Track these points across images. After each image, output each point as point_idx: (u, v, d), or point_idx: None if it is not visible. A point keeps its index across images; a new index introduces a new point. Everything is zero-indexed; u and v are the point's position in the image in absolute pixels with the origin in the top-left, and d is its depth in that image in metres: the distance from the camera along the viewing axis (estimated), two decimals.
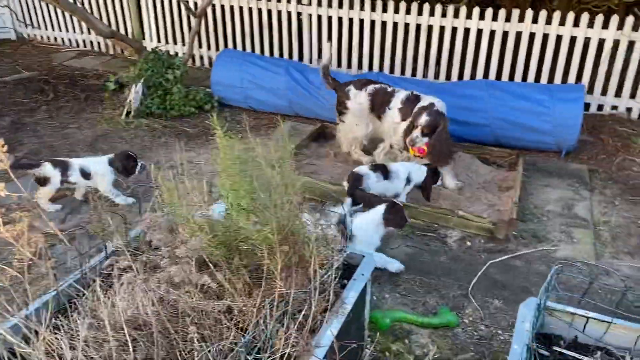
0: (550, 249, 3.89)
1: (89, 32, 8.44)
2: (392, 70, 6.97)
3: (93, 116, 6.21)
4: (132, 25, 7.94)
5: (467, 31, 6.44)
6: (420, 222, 4.14)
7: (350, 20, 6.89)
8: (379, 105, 4.83)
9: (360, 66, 7.12)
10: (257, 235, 1.90)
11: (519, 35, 6.26)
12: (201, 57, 7.97)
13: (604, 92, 6.24)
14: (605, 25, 5.92)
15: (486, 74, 6.55)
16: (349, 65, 7.16)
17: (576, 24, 6.01)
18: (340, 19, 6.94)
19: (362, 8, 6.75)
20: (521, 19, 6.18)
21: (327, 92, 5.83)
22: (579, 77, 6.25)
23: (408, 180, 4.28)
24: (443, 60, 6.67)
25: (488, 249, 3.89)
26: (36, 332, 1.91)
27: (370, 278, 2.76)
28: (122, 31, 8.13)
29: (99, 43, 8.51)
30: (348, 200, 4.01)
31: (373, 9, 6.72)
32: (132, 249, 2.43)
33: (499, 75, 6.56)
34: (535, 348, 2.18)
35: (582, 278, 3.54)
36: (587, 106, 6.25)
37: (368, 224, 3.49)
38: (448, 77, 6.76)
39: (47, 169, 4.11)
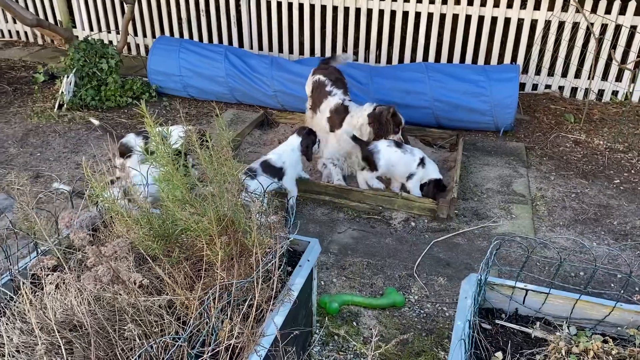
0: (490, 225, 4.00)
1: (14, 22, 7.97)
2: (333, 55, 6.94)
3: (22, 110, 5.88)
4: (60, 13, 7.55)
5: (405, 14, 6.49)
6: (365, 205, 4.17)
7: (290, 4, 6.81)
8: (314, 98, 4.87)
9: (301, 51, 7.06)
10: (195, 226, 1.84)
11: (456, 17, 6.37)
12: (137, 45, 7.69)
13: (538, 71, 6.46)
14: (537, 7, 6.11)
15: (425, 57, 6.64)
16: (290, 51, 7.09)
17: (509, 5, 6.17)
18: (279, 4, 6.84)
19: None
20: (457, 1, 6.28)
21: (268, 78, 5.77)
22: (514, 57, 6.44)
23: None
24: (383, 44, 6.70)
25: (431, 228, 3.97)
26: None
27: (317, 263, 2.75)
28: (50, 20, 7.72)
29: (26, 33, 8.06)
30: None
31: None
32: (65, 247, 2.32)
33: (438, 58, 6.66)
34: (477, 323, 2.24)
35: (522, 252, 3.67)
36: (522, 86, 6.46)
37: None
38: (389, 60, 6.81)
39: None
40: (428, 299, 3.29)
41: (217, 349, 1.87)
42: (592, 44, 5.96)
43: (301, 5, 6.76)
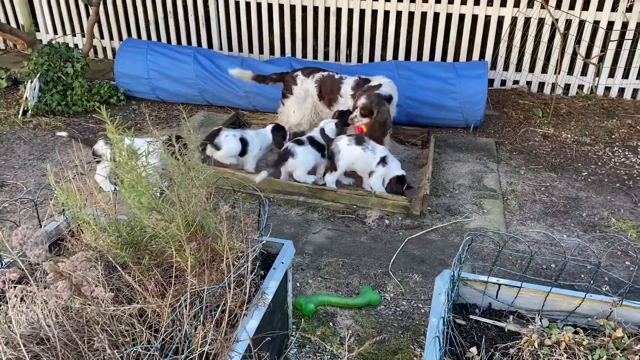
0: (463, 221, 4.04)
1: None
2: (304, 55, 6.93)
3: None
4: (22, 16, 7.35)
5: (375, 13, 6.52)
6: (340, 204, 4.17)
7: (259, 4, 6.77)
8: (328, 93, 4.84)
9: (272, 52, 7.03)
10: (163, 233, 1.80)
11: (424, 15, 6.42)
12: (104, 49, 7.55)
13: (506, 67, 6.55)
14: (503, 4, 6.20)
15: (395, 55, 6.68)
16: (261, 51, 7.04)
17: (477, 3, 6.24)
18: (248, 4, 6.79)
19: None
20: None
21: (241, 79, 5.73)
22: (482, 54, 6.52)
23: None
24: (354, 43, 6.72)
25: (405, 225, 3.98)
26: None
27: (291, 265, 2.73)
28: (12, 23, 7.52)
29: None
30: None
31: None
32: (28, 259, 2.25)
33: (407, 56, 6.71)
34: (451, 319, 2.25)
35: (494, 247, 3.71)
36: (490, 82, 6.55)
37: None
38: (360, 59, 6.82)
39: None
40: (403, 297, 3.30)
41: (191, 357, 1.84)
42: (558, 39, 6.08)
43: (270, 6, 6.72)
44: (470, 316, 2.38)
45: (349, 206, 4.16)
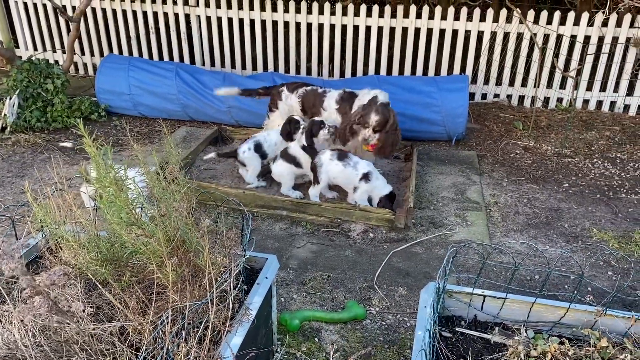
0: (447, 233, 4.05)
1: None
2: (287, 70, 6.96)
3: None
4: (1, 33, 7.28)
5: (356, 28, 6.58)
6: (324, 218, 4.15)
7: (241, 20, 6.79)
8: (310, 107, 4.84)
9: (254, 67, 7.04)
10: (144, 248, 1.77)
11: (405, 30, 6.49)
12: (85, 65, 7.49)
13: (486, 81, 6.64)
14: (482, 19, 6.30)
15: (377, 70, 6.73)
16: (243, 67, 7.05)
17: (457, 18, 6.33)
18: (230, 20, 6.81)
19: (251, 8, 6.67)
20: (406, 14, 6.41)
21: (224, 94, 5.72)
22: (462, 68, 6.60)
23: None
24: (336, 58, 6.76)
25: (390, 238, 3.98)
26: None
27: (276, 280, 2.70)
28: None
29: None
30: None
31: (263, 8, 6.67)
32: (9, 277, 2.19)
33: (389, 70, 6.77)
34: (437, 331, 2.24)
35: (478, 259, 3.72)
36: (471, 95, 6.63)
37: None
38: (342, 74, 6.86)
39: None
40: (389, 310, 3.28)
41: None
42: (536, 53, 6.18)
43: (252, 21, 6.75)
44: (456, 328, 2.37)
45: (333, 220, 4.14)
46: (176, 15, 6.94)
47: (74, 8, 7.03)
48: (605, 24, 6.08)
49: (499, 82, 6.62)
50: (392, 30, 6.51)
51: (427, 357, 1.95)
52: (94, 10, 7.05)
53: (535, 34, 6.11)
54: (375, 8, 6.41)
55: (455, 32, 6.39)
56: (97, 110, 5.96)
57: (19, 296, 2.07)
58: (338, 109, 4.73)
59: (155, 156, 2.02)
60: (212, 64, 7.11)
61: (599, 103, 6.53)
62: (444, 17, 6.35)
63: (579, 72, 6.17)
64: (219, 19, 6.83)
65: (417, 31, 6.45)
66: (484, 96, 6.74)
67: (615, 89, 6.40)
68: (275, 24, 6.75)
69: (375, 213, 4.08)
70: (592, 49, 6.13)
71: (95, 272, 1.94)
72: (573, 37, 6.17)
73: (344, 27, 6.58)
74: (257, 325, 2.35)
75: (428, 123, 5.44)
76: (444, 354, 2.15)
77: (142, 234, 1.79)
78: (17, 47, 7.47)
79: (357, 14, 6.49)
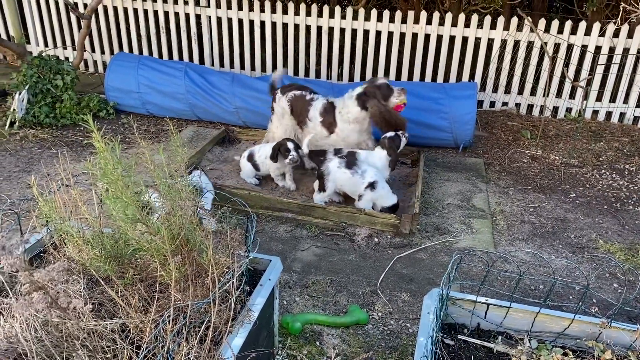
0: (452, 240, 4.03)
1: None
2: (296, 72, 6.96)
3: None
4: (12, 28, 7.33)
5: (366, 33, 6.57)
6: (329, 221, 4.14)
7: (251, 22, 6.80)
8: (298, 113, 4.81)
9: (263, 68, 7.05)
10: (148, 245, 1.76)
11: (415, 36, 6.48)
12: (95, 62, 7.53)
13: (495, 89, 6.62)
14: (493, 26, 6.28)
15: (387, 75, 6.72)
16: (252, 68, 7.06)
17: (467, 25, 6.32)
18: (240, 21, 6.83)
19: (262, 10, 6.69)
20: (416, 20, 6.40)
21: (230, 94, 5.74)
22: (472, 75, 6.58)
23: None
24: (345, 62, 6.76)
25: (394, 244, 3.96)
26: None
27: (278, 282, 2.69)
28: (2, 35, 7.48)
29: None
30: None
31: (273, 10, 6.68)
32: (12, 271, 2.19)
33: (398, 76, 6.76)
34: (440, 339, 2.22)
35: (482, 266, 3.69)
36: (480, 103, 6.60)
37: None
38: (351, 78, 6.86)
39: None
40: (392, 316, 3.26)
41: None
42: (546, 62, 6.16)
43: (262, 23, 6.76)
44: (459, 336, 2.35)
45: (338, 224, 4.13)
46: (187, 16, 6.96)
47: (85, 5, 7.06)
48: (616, 34, 6.05)
49: (507, 90, 6.59)
50: (402, 35, 6.51)
51: None
52: (105, 8, 7.09)
53: (545, 43, 6.09)
54: (386, 13, 6.41)
55: (465, 39, 6.38)
56: (105, 108, 5.98)
57: (21, 290, 2.07)
58: (322, 122, 4.70)
59: (162, 154, 2.02)
60: (222, 64, 7.13)
61: (609, 114, 6.49)
62: (454, 24, 6.34)
63: (589, 83, 6.14)
64: (229, 20, 6.84)
65: (427, 37, 6.45)
66: (492, 104, 6.72)
67: (625, 100, 6.36)
68: (285, 26, 6.76)
69: (381, 218, 4.07)
70: (602, 59, 6.10)
71: (99, 269, 1.93)
72: (584, 47, 6.14)
73: (354, 31, 6.58)
74: (258, 326, 2.34)
75: (435, 129, 5.42)
76: None
77: (146, 231, 1.79)
78: (28, 42, 7.52)
79: (367, 18, 6.48)
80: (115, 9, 7.10)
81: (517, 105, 6.66)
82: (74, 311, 1.96)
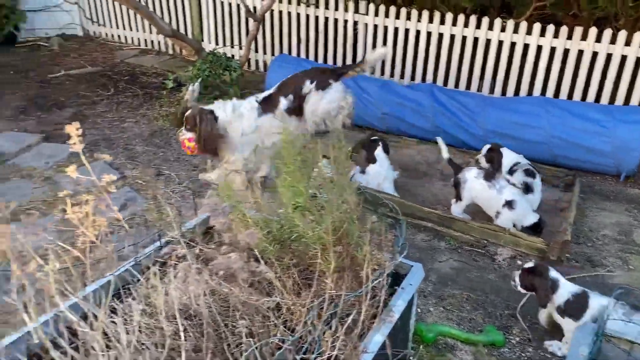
0: (605, 274, 3.74)
1: (150, 32, 8.72)
2: (446, 82, 6.89)
3: (150, 112, 6.39)
4: (192, 26, 8.15)
5: (526, 47, 6.31)
6: (469, 237, 4.06)
7: (407, 31, 6.86)
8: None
9: (413, 77, 7.08)
10: (311, 234, 1.90)
11: (580, 53, 6.08)
12: (256, 61, 8.10)
13: None
14: None
15: (544, 91, 6.39)
16: (402, 76, 7.12)
17: None
18: (396, 30, 6.92)
19: (419, 20, 6.72)
20: (584, 37, 6.00)
21: (380, 101, 5.86)
22: None
23: None
24: (499, 75, 6.54)
25: None
26: (94, 314, 1.96)
27: (417, 289, 2.72)
28: (182, 32, 8.35)
29: (159, 42, 8.77)
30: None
31: (430, 20, 6.68)
32: (186, 241, 2.48)
33: (557, 93, 6.38)
34: None
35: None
36: None
37: None
38: (504, 92, 6.63)
39: None
40: (530, 343, 3.12)
41: (320, 359, 1.91)
42: None
43: (418, 32, 6.79)
44: None
45: (479, 240, 4.03)
46: (345, 22, 7.21)
47: (254, 8, 7.63)
48: None
49: None
50: (566, 52, 6.14)
51: None
52: (271, 12, 7.59)
53: None
54: (550, 28, 6.09)
55: (639, 60, 5.84)
56: None
57: (194, 260, 2.33)
58: None
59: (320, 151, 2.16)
60: (372, 70, 7.28)
61: None
62: (627, 43, 5.84)
63: None
64: (385, 28, 6.97)
65: (595, 55, 6.01)
66: None
67: None
68: (440, 36, 6.72)
69: (527, 240, 3.90)
70: None
71: (263, 250, 2.12)
72: None
73: (512, 45, 6.34)
74: (396, 328, 2.39)
75: (595, 154, 5.05)
76: None
77: (312, 219, 1.93)
78: (203, 40, 8.30)
79: (529, 32, 6.22)
80: (280, 13, 7.58)
81: None
82: (238, 285, 2.17)
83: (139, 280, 2.25)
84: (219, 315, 2.09)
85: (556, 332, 3.09)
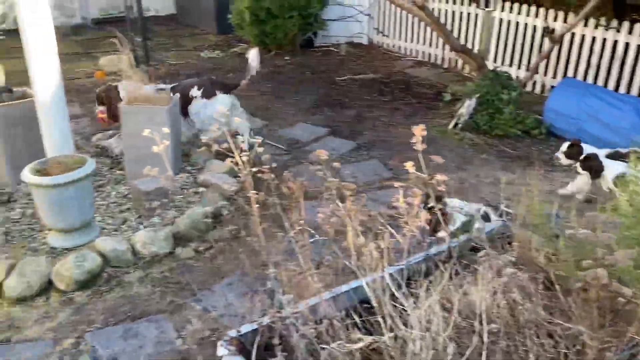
0: None
1: (429, 45, 9.07)
2: None
3: (422, 121, 6.65)
4: (480, 43, 8.16)
5: None
6: None
7: None
8: None
9: None
10: None
11: None
12: (534, 83, 7.79)
13: None
14: None
15: None
16: None
17: None
18: None
19: None
20: None
21: None
22: None
23: None
24: None
25: None
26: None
27: None
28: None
29: (436, 56, 9.08)
30: None
31: None
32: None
33: None
34: None
35: None
36: None
37: None
38: None
39: None
40: None
41: None
42: None
43: None
44: None
45: None
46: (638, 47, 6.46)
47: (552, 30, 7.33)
48: None
49: None
50: None
51: None
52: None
53: None
54: None
55: None
56: (538, 127, 6.17)
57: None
58: None
59: None
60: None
61: None
62: None
63: None
64: None
65: None
66: None
67: None
68: None
69: None
70: None
71: (563, 272, 2.06)
72: None
73: None
74: None
75: None
76: None
77: None
78: (487, 58, 8.30)
79: None
80: (572, 35, 7.15)
81: None
82: (530, 302, 2.16)
83: (428, 273, 2.40)
84: (506, 326, 2.10)
85: None
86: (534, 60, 7.32)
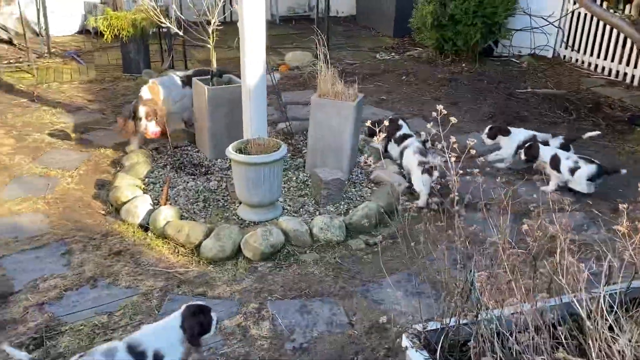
0: None
1: (627, 64, 8.29)
2: None
3: (610, 145, 6.15)
4: None
5: None
6: None
7: None
8: None
9: None
10: None
11: None
12: None
13: None
14: None
15: None
16: None
17: None
18: None
19: None
20: None
21: None
22: None
23: None
24: None
25: None
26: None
27: None
28: None
29: (632, 76, 8.27)
30: None
31: None
32: None
33: None
34: None
35: None
36: None
37: None
38: None
39: None
40: None
41: None
42: None
43: None
44: None
45: None
46: None
47: None
48: None
49: None
50: None
51: None
52: None
53: None
54: None
55: None
56: None
57: None
58: None
59: None
60: None
61: None
62: None
63: None
64: None
65: None
66: None
67: None
68: None
69: None
70: None
71: None
72: None
73: None
74: None
75: None
76: None
77: None
78: None
79: None
80: None
81: None
82: None
83: None
84: None
85: None
86: None
